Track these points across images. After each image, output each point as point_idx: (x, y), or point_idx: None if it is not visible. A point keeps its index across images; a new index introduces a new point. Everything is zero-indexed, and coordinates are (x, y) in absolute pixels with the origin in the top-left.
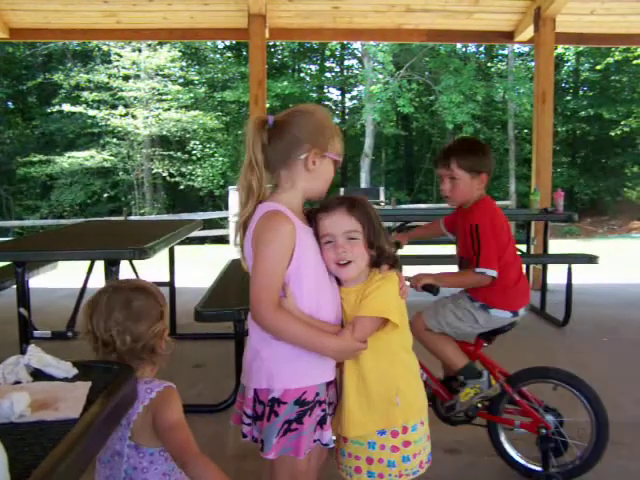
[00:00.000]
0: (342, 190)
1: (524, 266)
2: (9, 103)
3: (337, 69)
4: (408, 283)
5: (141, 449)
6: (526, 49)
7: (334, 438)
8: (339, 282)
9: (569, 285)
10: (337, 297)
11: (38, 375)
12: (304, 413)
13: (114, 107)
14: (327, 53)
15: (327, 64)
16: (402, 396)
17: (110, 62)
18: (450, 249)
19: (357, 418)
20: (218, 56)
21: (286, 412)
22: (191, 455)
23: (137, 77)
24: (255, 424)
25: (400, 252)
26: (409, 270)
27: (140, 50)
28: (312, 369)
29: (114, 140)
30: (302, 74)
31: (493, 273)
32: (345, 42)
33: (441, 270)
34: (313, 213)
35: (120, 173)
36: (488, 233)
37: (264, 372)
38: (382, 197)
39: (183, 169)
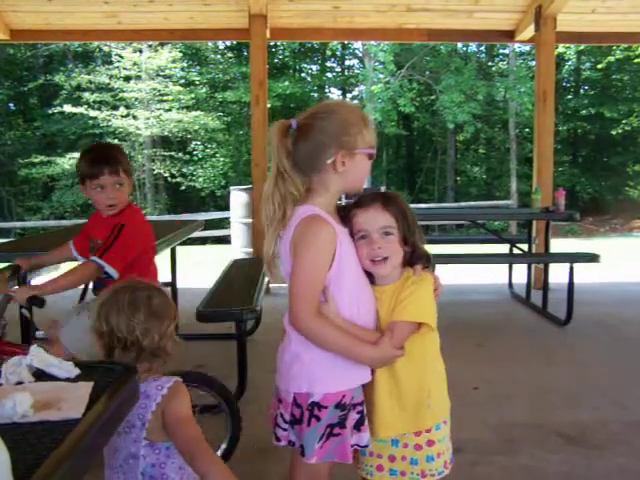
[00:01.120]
0: None
1: (526, 265)
2: (10, 105)
3: (338, 69)
4: (442, 283)
5: (156, 445)
6: (527, 48)
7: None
8: (371, 280)
9: (571, 284)
10: (373, 297)
11: (40, 375)
12: (346, 417)
13: (115, 108)
14: (328, 53)
15: (328, 64)
16: (433, 398)
17: (111, 63)
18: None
19: (388, 420)
20: (219, 56)
21: (328, 416)
22: (199, 450)
23: (138, 78)
24: (293, 428)
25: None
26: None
27: (141, 51)
28: (351, 372)
29: (115, 141)
30: (303, 74)
31: (113, 272)
32: (346, 42)
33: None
34: (347, 210)
35: None
36: (131, 236)
37: (305, 376)
38: None
39: (184, 170)
